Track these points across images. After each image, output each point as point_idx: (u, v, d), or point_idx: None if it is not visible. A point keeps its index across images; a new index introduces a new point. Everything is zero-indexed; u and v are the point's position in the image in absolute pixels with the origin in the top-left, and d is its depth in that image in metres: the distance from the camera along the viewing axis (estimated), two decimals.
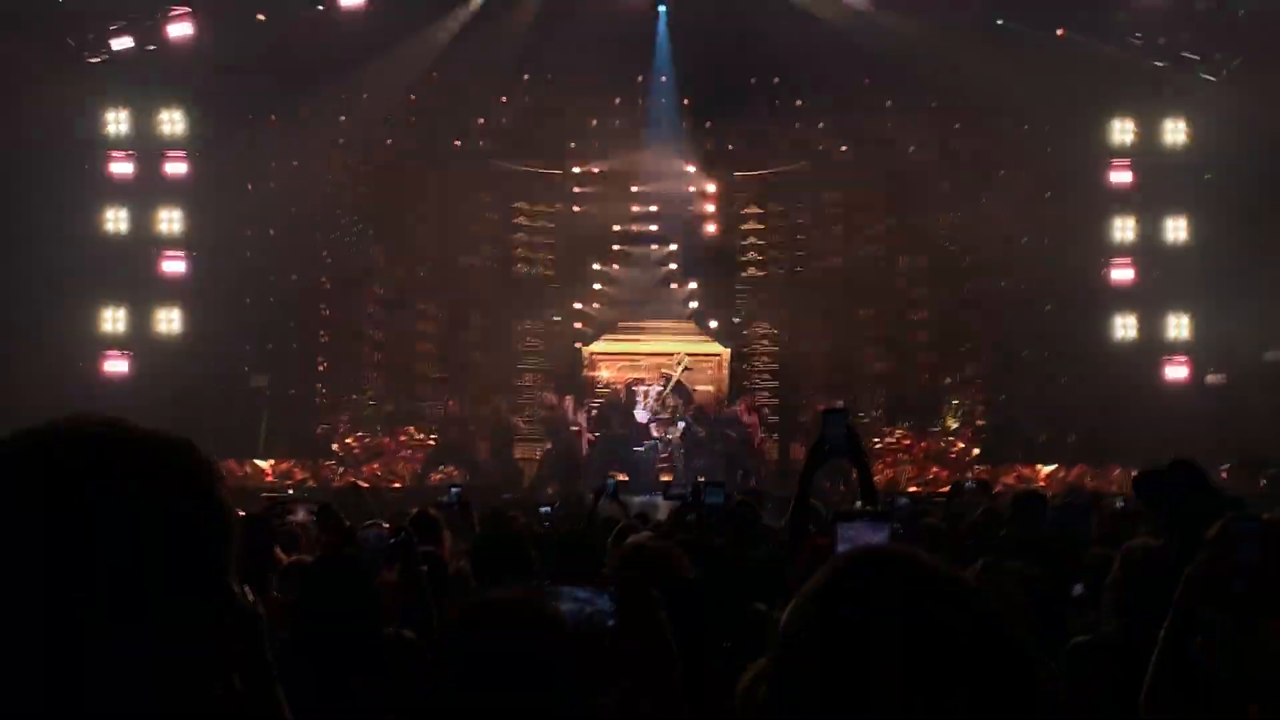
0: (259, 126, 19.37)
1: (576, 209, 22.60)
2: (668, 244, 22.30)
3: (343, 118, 19.99)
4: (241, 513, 8.17)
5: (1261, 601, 3.21)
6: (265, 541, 5.19)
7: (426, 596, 4.85)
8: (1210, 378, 19.05)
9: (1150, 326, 19.37)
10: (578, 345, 22.07)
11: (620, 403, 20.67)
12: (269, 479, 18.38)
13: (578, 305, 22.43)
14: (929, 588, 1.22)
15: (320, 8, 18.33)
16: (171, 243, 18.91)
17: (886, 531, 3.14)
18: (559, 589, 2.79)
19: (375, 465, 19.25)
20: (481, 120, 21.21)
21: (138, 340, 18.72)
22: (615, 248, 22.41)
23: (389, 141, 21.14)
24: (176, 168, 18.98)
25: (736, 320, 22.62)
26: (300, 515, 5.90)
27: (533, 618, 2.40)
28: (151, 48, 18.27)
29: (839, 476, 16.06)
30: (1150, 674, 3.04)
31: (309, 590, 4.25)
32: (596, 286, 22.46)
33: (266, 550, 5.13)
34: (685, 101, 21.38)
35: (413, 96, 20.16)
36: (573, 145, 21.84)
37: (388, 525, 5.32)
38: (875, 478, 17.67)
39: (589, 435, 20.29)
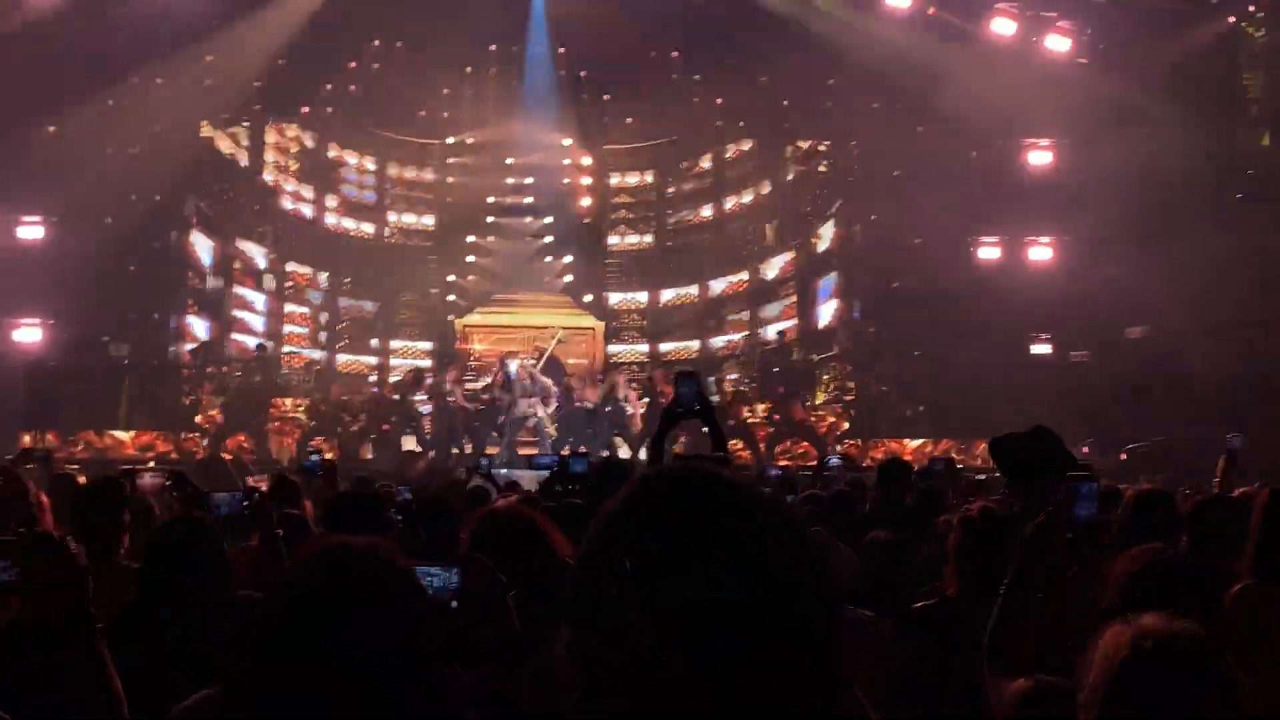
0: (122, 89, 18.70)
1: (451, 179, 22.42)
2: (542, 217, 22.19)
3: (208, 82, 19.37)
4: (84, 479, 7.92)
5: (1096, 555, 3.31)
6: (114, 506, 5.02)
7: (282, 559, 4.74)
8: (1074, 355, 19.55)
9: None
10: (451, 318, 21.90)
11: (494, 375, 20.48)
12: (129, 451, 17.82)
13: (451, 278, 22.23)
14: (701, 488, 1.23)
15: None
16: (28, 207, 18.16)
17: None
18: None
19: (242, 438, 18.72)
20: (353, 86, 20.87)
21: None
22: (490, 220, 22.27)
23: (257, 107, 20.72)
24: None
25: (608, 293, 22.68)
26: (147, 480, 5.67)
27: (382, 560, 2.23)
28: None
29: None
30: (991, 626, 3.10)
31: (153, 553, 4.13)
32: (471, 259, 22.29)
33: (116, 515, 4.96)
34: (582, 74, 21.35)
35: (282, 61, 19.66)
36: (446, 115, 21.63)
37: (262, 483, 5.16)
38: (745, 452, 17.57)
39: (471, 407, 19.93)
